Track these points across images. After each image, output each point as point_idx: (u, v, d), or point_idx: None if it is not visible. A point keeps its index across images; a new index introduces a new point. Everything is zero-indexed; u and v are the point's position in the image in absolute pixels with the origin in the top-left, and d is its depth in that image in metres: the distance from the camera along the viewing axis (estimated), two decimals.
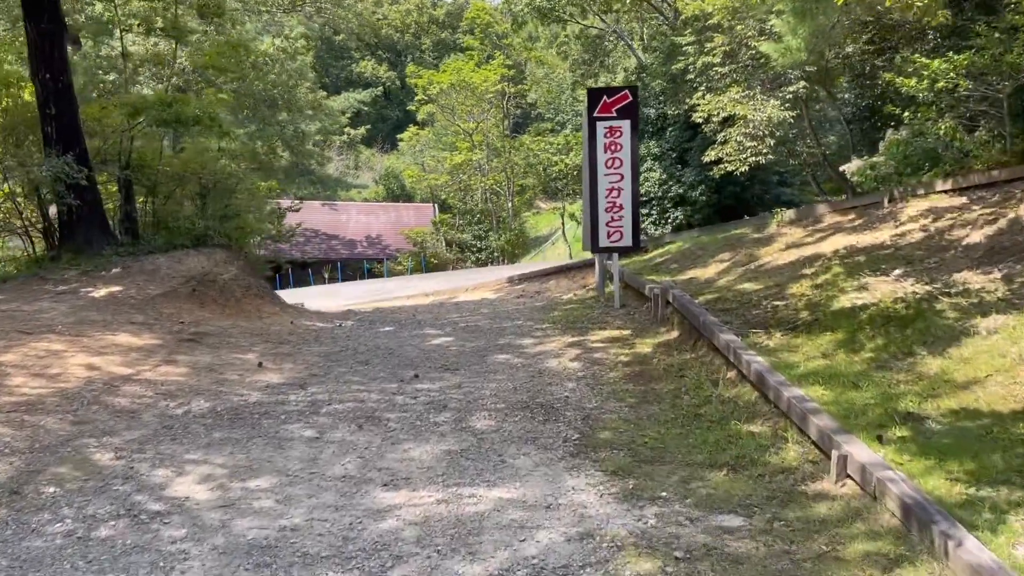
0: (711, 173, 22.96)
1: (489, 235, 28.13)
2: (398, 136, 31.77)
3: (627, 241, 9.65)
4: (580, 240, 33.36)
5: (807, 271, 7.75)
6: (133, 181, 11.02)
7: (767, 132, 17.99)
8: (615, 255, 9.97)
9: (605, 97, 9.47)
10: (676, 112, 22.76)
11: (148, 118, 9.80)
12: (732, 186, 24.13)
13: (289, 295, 19.94)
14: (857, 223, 9.35)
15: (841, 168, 16.69)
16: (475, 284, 15.84)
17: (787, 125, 18.55)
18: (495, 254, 26.89)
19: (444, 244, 29.73)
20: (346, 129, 55.65)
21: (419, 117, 27.71)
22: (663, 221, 23.42)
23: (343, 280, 25.61)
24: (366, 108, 54.46)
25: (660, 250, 12.03)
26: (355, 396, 6.05)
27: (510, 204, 26.84)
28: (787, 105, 18.03)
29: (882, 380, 5.01)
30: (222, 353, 7.29)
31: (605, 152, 9.53)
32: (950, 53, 12.12)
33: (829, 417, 4.46)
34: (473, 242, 29.34)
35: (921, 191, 9.37)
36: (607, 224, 9.66)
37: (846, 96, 21.27)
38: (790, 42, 13.91)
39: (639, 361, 6.88)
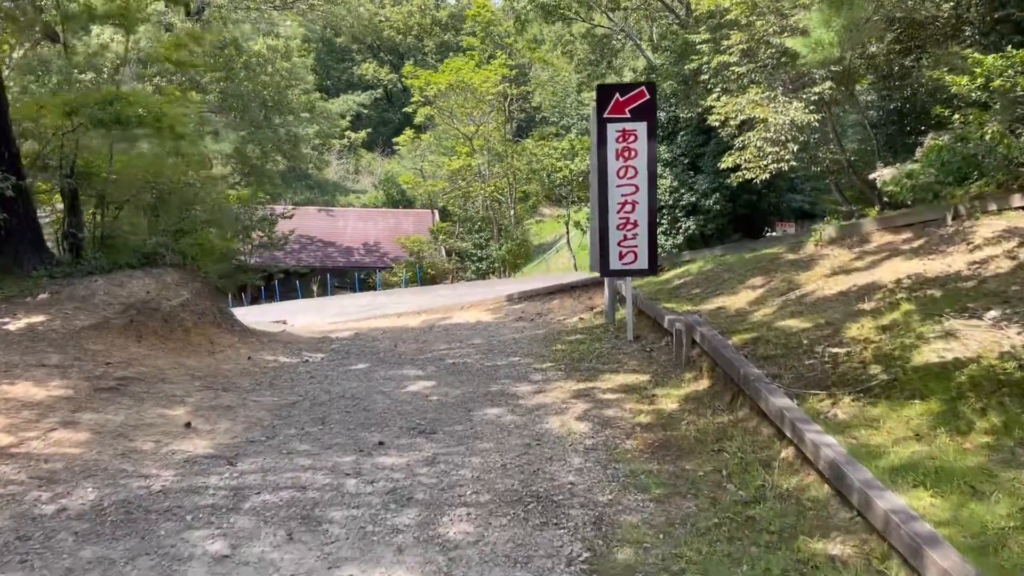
0: (727, 181, 21.54)
1: (490, 244, 26.73)
2: (393, 140, 30.36)
3: (642, 264, 8.24)
4: (587, 249, 31.93)
5: (866, 306, 6.31)
6: (79, 190, 9.62)
7: (790, 136, 16.60)
8: (628, 278, 8.54)
9: (618, 95, 8.06)
10: (689, 115, 21.34)
11: (83, 118, 8.41)
12: (747, 194, 22.69)
13: (273, 311, 18.55)
14: (916, 244, 7.91)
15: (871, 176, 15.26)
16: (471, 302, 14.44)
17: (811, 129, 17.15)
18: (496, 264, 25.47)
19: (443, 253, 28.32)
20: (346, 133, 54.39)
21: (416, 120, 26.30)
22: (674, 231, 22.00)
23: (333, 292, 24.23)
24: (366, 111, 53.15)
25: (678, 270, 10.60)
26: (296, 477, 4.63)
27: (512, 212, 25.44)
28: (811, 107, 16.62)
29: (1013, 483, 3.58)
30: (144, 408, 5.88)
31: (617, 159, 8.13)
32: (1009, 48, 10.69)
33: (956, 554, 3.03)
34: (473, 251, 27.93)
35: (993, 206, 7.93)
36: (619, 243, 8.25)
37: (867, 99, 19.79)
38: (822, 36, 12.45)
39: (663, 423, 5.46)
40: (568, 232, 26.86)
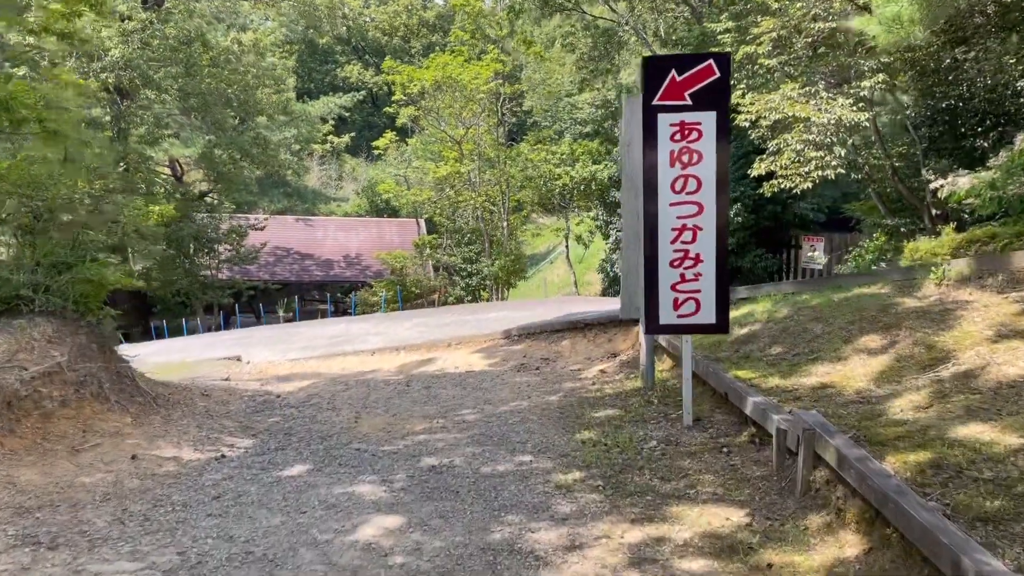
0: (750, 190, 19.05)
1: (481, 258, 24.16)
2: (372, 144, 27.78)
3: (706, 316, 5.70)
4: (589, 263, 29.34)
5: None
6: None
7: (836, 139, 14.10)
8: (686, 338, 5.97)
9: (673, 72, 5.52)
10: None
11: None
12: (772, 205, 20.22)
13: (231, 341, 15.90)
14: None
15: (933, 185, 12.77)
16: (460, 337, 11.86)
17: (862, 130, 14.67)
18: (487, 281, 22.90)
19: (430, 269, 25.72)
20: (328, 137, 51.72)
21: (399, 122, 23.73)
22: None
23: (304, 316, 21.57)
24: (348, 114, 50.50)
25: (736, 312, 8.03)
26: None
27: (505, 223, 22.88)
28: (861, 104, 14.14)
29: None
30: None
31: (672, 166, 5.59)
32: None
33: None
34: (463, 266, 25.35)
35: None
36: (674, 287, 5.71)
37: (903, 98, 17.28)
38: (901, 9, 9.95)
39: None
40: (567, 246, 24.32)
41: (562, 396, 7.40)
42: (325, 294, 42.98)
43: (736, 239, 19.26)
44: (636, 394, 6.96)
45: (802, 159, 14.12)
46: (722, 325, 5.74)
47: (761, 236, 20.10)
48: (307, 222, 36.88)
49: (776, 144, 14.80)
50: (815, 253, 19.95)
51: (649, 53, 23.62)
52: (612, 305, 13.43)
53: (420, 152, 32.35)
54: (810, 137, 13.93)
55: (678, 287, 5.71)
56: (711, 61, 5.49)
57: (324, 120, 49.85)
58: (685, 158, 5.58)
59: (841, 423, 4.53)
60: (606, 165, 21.29)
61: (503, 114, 23.80)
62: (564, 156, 21.65)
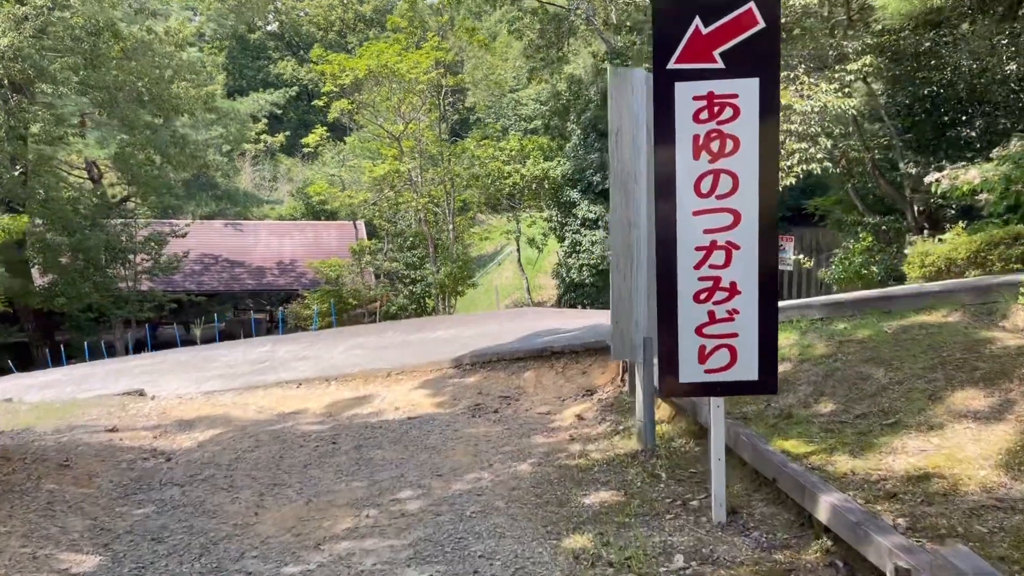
0: None
1: (425, 265, 22.28)
2: (302, 142, 25.63)
3: (747, 371, 3.99)
4: (535, 263, 27.59)
5: None
6: None
7: (821, 129, 12.65)
8: (717, 402, 4.21)
9: (697, 22, 3.80)
10: None
11: None
12: None
13: (137, 367, 13.74)
14: None
15: (929, 179, 11.39)
16: (403, 367, 10.00)
17: (848, 119, 13.28)
18: (432, 290, 21.04)
19: (371, 276, 23.72)
20: (261, 136, 49.05)
21: (331, 116, 21.69)
22: None
23: (221, 337, 19.35)
24: (281, 111, 47.95)
25: None
26: None
27: (451, 226, 21.03)
28: (847, 91, 12.72)
29: None
30: None
31: (696, 158, 3.88)
32: None
33: None
34: (405, 272, 23.44)
35: None
36: (700, 330, 4.00)
37: (877, 85, 15.98)
38: None
39: None
40: (518, 249, 22.60)
41: (535, 463, 5.64)
42: (262, 303, 40.60)
43: None
44: (634, 461, 5.25)
45: (785, 151, 12.63)
46: (769, 383, 4.03)
47: None
48: (237, 227, 34.45)
49: None
50: (784, 253, 18.59)
51: (600, 41, 22.03)
52: (578, 321, 11.69)
53: (357, 150, 30.26)
54: (792, 127, 12.43)
55: (706, 330, 3.98)
56: (751, 4, 3.78)
57: (256, 118, 47.19)
58: (715, 146, 3.86)
59: (987, 552, 2.88)
60: (559, 162, 19.63)
61: (445, 108, 21.95)
62: (513, 153, 19.91)
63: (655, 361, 4.64)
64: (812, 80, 12.75)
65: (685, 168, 3.91)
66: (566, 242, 19.03)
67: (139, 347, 21.52)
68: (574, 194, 18.91)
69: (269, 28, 65.46)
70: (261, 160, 52.15)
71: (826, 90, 12.36)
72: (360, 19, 63.21)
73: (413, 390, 9.06)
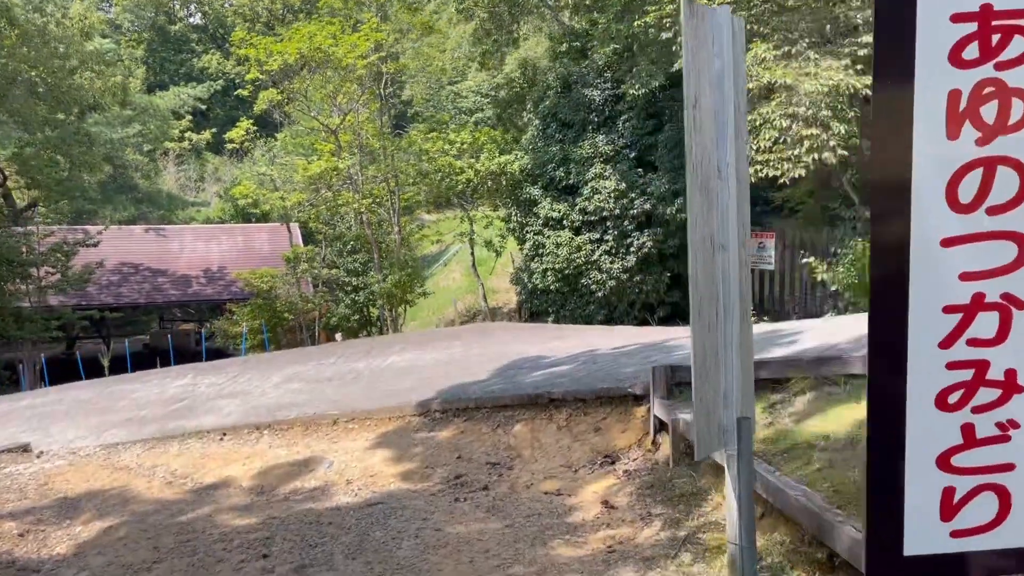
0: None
1: (369, 271, 20.14)
2: (226, 137, 23.14)
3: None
4: (485, 264, 25.62)
5: None
6: None
7: (833, 112, 10.98)
8: None
9: None
10: (638, 92, 15.54)
11: None
12: None
13: (28, 410, 11.34)
14: None
15: None
16: (352, 412, 7.96)
17: (861, 100, 11.66)
18: (379, 302, 18.93)
19: (309, 286, 21.43)
20: (186, 134, 45.88)
21: (257, 108, 19.35)
22: (623, 251, 16.22)
23: (147, 354, 16.84)
24: (205, 107, 44.94)
25: (796, 427, 4.51)
26: None
27: (396, 228, 18.94)
28: (860, 67, 11.09)
29: None
30: None
31: (955, 135, 2.04)
32: None
33: None
34: (347, 279, 21.24)
35: None
36: (944, 460, 2.17)
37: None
38: None
39: None
40: (472, 253, 20.63)
41: None
42: (190, 312, 37.65)
43: (677, 240, 16.12)
44: None
45: (790, 139, 10.89)
46: None
47: None
48: (160, 232, 31.58)
49: (749, 120, 11.54)
50: (764, 251, 17.03)
51: (556, 23, 20.16)
52: (560, 344, 9.78)
53: (289, 147, 27.82)
54: (799, 111, 10.71)
55: (957, 459, 2.13)
56: None
57: (178, 115, 44.08)
58: (990, 112, 1.99)
59: None
60: (517, 156, 17.72)
61: (386, 98, 19.82)
62: (465, 146, 17.91)
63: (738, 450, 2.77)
64: (817, 56, 11.07)
65: (929, 157, 2.03)
66: (527, 244, 17.14)
67: (55, 367, 18.72)
68: (535, 191, 17.02)
69: (191, 20, 61.93)
70: (186, 159, 48.88)
71: (835, 67, 10.68)
72: (289, 10, 60.05)
73: (369, 449, 7.04)
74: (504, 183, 17.34)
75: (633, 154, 16.49)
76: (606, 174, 16.21)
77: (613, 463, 5.63)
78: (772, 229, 17.13)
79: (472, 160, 17.30)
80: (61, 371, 15.85)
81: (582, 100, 16.85)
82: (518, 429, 6.58)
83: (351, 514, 5.51)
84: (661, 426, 5.58)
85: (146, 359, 23.51)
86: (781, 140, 10.87)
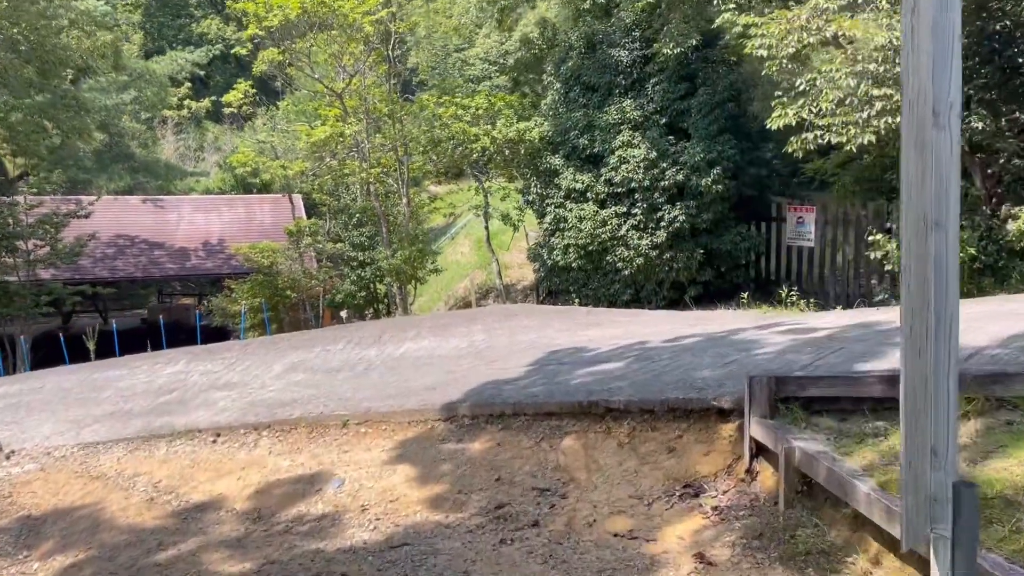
0: (727, 150, 14.56)
1: (376, 244, 18.95)
2: (223, 100, 21.80)
3: None
4: (495, 238, 24.35)
5: None
6: None
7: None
8: None
9: None
10: (668, 53, 14.21)
11: None
12: (756, 167, 15.93)
13: (2, 400, 10.24)
14: None
15: None
16: (365, 412, 6.81)
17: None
18: (387, 280, 17.75)
19: (312, 261, 20.24)
20: (184, 101, 44.44)
21: (256, 69, 18.02)
22: (652, 226, 14.99)
23: (131, 342, 15.62)
24: (204, 72, 43.44)
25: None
26: None
27: (404, 199, 17.72)
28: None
29: None
30: None
31: None
32: None
33: None
34: (352, 254, 20.06)
35: None
36: None
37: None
38: None
39: None
40: (487, 227, 19.38)
41: None
42: (190, 285, 36.48)
43: (712, 213, 14.87)
44: None
45: (855, 101, 9.59)
46: None
47: (742, 208, 15.80)
48: (157, 203, 30.28)
49: (808, 80, 10.27)
50: (803, 227, 15.80)
51: None
52: (597, 332, 8.57)
53: (291, 116, 26.48)
54: (869, 67, 9.41)
55: None
56: None
57: (176, 81, 42.66)
58: None
59: None
60: (537, 122, 16.43)
61: (394, 61, 18.49)
62: (480, 112, 16.61)
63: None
64: (890, 4, 9.78)
65: None
66: (547, 218, 15.92)
67: (50, 343, 17.35)
68: (556, 160, 15.76)
69: None
70: (185, 128, 47.46)
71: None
72: None
73: (387, 464, 5.89)
74: (522, 152, 16.07)
75: (664, 120, 15.20)
76: (635, 142, 14.94)
77: (696, 495, 4.47)
78: (812, 204, 15.89)
79: (488, 127, 16.02)
80: (55, 348, 14.71)
81: (608, 61, 15.53)
82: (568, 444, 5.42)
83: (369, 561, 4.36)
84: (758, 450, 4.42)
85: (143, 336, 22.40)
86: (846, 101, 9.59)
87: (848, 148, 9.60)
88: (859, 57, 9.47)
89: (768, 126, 10.83)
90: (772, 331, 6.95)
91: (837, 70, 9.63)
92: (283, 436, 7.17)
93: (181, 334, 23.71)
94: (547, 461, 5.34)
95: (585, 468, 5.12)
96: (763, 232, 15.88)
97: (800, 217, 15.72)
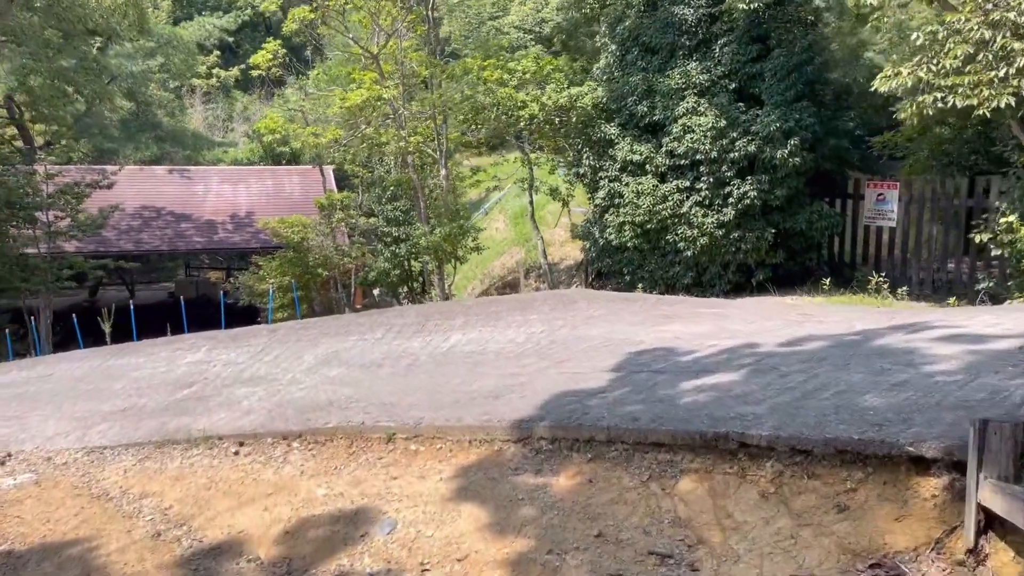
0: (806, 118, 13.10)
1: (412, 218, 17.74)
2: (250, 63, 20.57)
3: None
4: (532, 216, 22.99)
5: None
6: None
7: None
8: None
9: None
10: (744, 7, 12.71)
11: None
12: (836, 137, 14.40)
13: (7, 391, 9.19)
14: None
15: None
16: (416, 427, 5.61)
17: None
18: (422, 258, 16.54)
19: (343, 236, 19.08)
20: (213, 70, 43.34)
21: (286, 28, 16.76)
22: (719, 202, 13.59)
23: (146, 324, 14.50)
24: (233, 39, 42.27)
25: None
26: None
27: (443, 171, 16.44)
28: None
29: None
30: None
31: None
32: None
33: None
34: (387, 229, 18.88)
35: None
36: None
37: None
38: None
39: None
40: (532, 201, 18.05)
41: None
42: (218, 259, 35.59)
43: (785, 189, 13.43)
44: None
45: (991, 56, 8.10)
46: None
47: (819, 183, 14.33)
48: (183, 173, 29.31)
49: (927, 33, 8.77)
50: (884, 204, 14.30)
51: None
52: (680, 328, 7.19)
53: (322, 85, 25.25)
54: (1009, 16, 7.91)
55: None
56: None
57: (204, 48, 41.54)
58: None
59: None
60: (590, 87, 15.02)
61: (434, 21, 17.10)
62: (527, 76, 15.23)
63: None
64: None
65: None
66: (600, 192, 14.57)
67: (80, 316, 16.31)
68: (611, 129, 14.38)
69: None
70: (213, 97, 46.43)
71: None
72: None
73: (450, 502, 4.67)
74: (574, 120, 14.69)
75: (733, 85, 13.73)
76: (700, 109, 13.50)
77: None
78: (895, 179, 14.37)
79: (538, 92, 14.64)
80: (80, 322, 13.73)
81: (671, 20, 14.05)
82: (687, 488, 4.16)
83: None
84: (988, 522, 3.13)
85: (169, 310, 21.44)
86: (978, 57, 8.11)
87: (980, 112, 8.12)
88: (995, 3, 7.98)
89: (874, 89, 9.37)
90: (923, 336, 5.60)
91: (967, 20, 8.15)
92: (317, 450, 6.02)
93: (209, 308, 22.76)
94: (661, 511, 4.09)
95: (717, 525, 3.87)
96: (839, 211, 14.42)
97: (881, 194, 14.22)
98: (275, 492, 5.38)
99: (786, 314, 7.57)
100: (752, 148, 13.16)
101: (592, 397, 5.49)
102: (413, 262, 19.47)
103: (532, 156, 17.14)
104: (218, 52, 44.09)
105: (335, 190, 21.04)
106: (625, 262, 14.81)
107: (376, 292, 22.34)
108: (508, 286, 21.08)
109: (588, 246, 15.91)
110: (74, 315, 14.11)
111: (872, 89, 9.40)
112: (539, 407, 5.50)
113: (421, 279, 20.11)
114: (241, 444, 6.23)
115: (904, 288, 12.15)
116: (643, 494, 4.24)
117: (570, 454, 4.83)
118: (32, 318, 18.54)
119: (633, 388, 5.49)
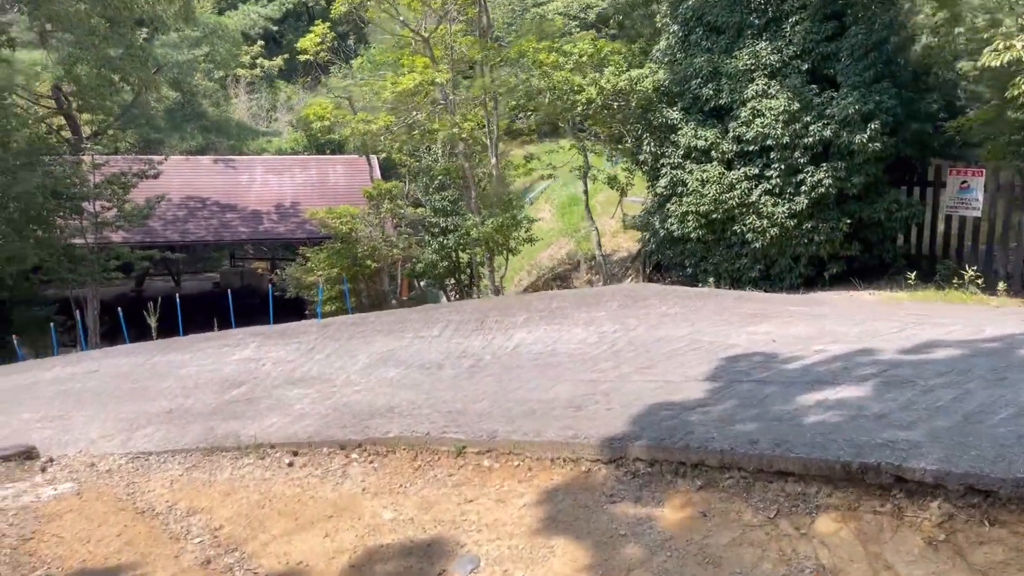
0: (887, 101, 12.14)
1: (460, 208, 17.16)
2: (298, 47, 20.08)
3: None
4: (580, 204, 22.27)
5: None
6: None
7: None
8: None
9: None
10: None
11: None
12: (919, 121, 13.45)
13: (50, 389, 8.83)
14: None
15: None
16: (491, 441, 5.02)
17: None
18: (471, 249, 15.95)
19: (390, 226, 18.57)
20: (257, 60, 43.17)
21: (336, 9, 16.23)
22: (790, 191, 12.77)
23: (192, 315, 14.07)
24: (277, 28, 42.04)
25: None
26: None
27: (494, 159, 15.81)
28: None
29: None
30: None
31: None
32: None
33: None
34: (435, 220, 18.32)
35: None
36: None
37: None
38: None
39: None
40: (586, 191, 17.33)
41: None
42: (263, 249, 35.45)
43: (863, 177, 12.55)
44: None
45: None
46: None
47: (899, 170, 13.40)
48: (229, 163, 29.15)
49: None
50: (968, 193, 13.31)
51: None
52: (773, 328, 6.39)
53: (368, 72, 24.76)
54: None
55: None
56: None
57: (249, 38, 41.36)
58: None
59: None
60: (651, 70, 14.25)
61: (484, 3, 16.42)
62: (583, 59, 14.51)
63: None
64: None
65: None
66: (661, 181, 13.83)
67: (125, 306, 16.07)
68: (673, 114, 13.62)
69: None
70: (258, 87, 46.34)
71: None
72: None
73: (538, 534, 4.05)
74: (633, 104, 13.95)
75: (806, 66, 12.85)
76: (771, 91, 12.66)
77: None
78: (980, 166, 13.37)
79: (596, 75, 13.92)
80: (127, 313, 13.45)
81: None
82: (827, 529, 3.49)
83: None
84: None
85: (215, 300, 21.21)
86: None
87: None
88: None
89: (981, 64, 8.50)
90: None
91: None
92: (379, 462, 5.48)
93: (255, 299, 22.50)
94: (799, 556, 3.43)
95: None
96: (919, 199, 13.48)
97: (965, 182, 13.24)
98: (336, 514, 4.83)
99: (891, 314, 6.81)
100: (827, 133, 12.30)
101: (691, 412, 4.83)
102: (461, 253, 18.91)
103: (588, 144, 16.42)
104: (262, 42, 43.92)
105: (380, 179, 20.55)
106: (687, 254, 14.05)
107: (422, 284, 21.86)
108: (558, 278, 20.42)
109: (647, 237, 15.17)
110: (119, 307, 13.78)
111: (981, 63, 8.53)
112: (630, 422, 4.86)
113: (469, 271, 19.56)
114: (295, 454, 5.75)
115: (1002, 284, 11.22)
116: (772, 534, 3.58)
117: (674, 480, 4.19)
118: (79, 309, 18.41)
119: (740, 402, 4.81)
